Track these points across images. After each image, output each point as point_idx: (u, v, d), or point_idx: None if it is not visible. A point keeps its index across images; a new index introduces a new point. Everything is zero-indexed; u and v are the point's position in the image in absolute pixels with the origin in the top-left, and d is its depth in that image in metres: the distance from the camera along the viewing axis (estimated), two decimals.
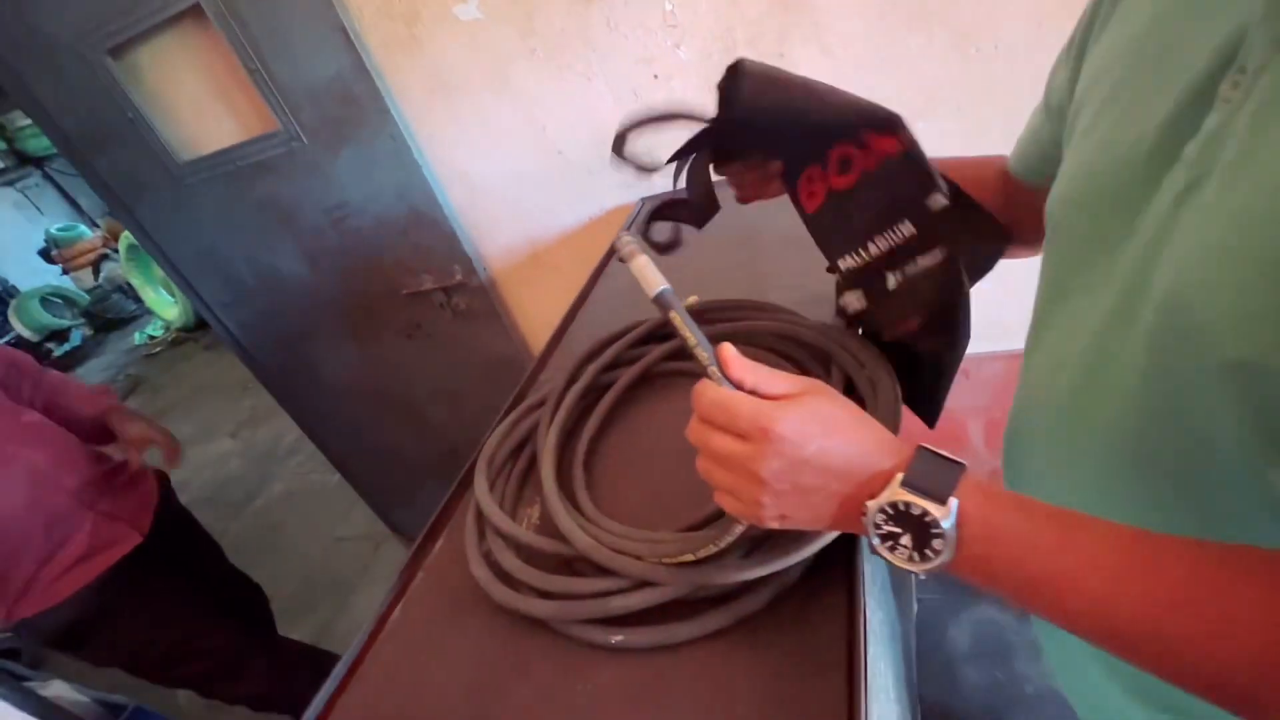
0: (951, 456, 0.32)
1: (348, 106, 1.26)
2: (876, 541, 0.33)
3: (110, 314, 5.81)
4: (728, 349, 0.36)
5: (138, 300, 5.44)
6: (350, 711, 0.49)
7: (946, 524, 0.31)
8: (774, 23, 1.03)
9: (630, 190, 1.27)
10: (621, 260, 0.40)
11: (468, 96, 1.22)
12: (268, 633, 1.56)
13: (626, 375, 0.71)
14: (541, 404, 0.69)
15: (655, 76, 1.12)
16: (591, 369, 0.71)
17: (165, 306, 5.04)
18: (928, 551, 0.32)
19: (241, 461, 3.31)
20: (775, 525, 0.36)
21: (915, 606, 1.38)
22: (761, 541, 0.45)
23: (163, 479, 1.40)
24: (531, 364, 0.86)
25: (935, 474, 0.32)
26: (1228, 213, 0.27)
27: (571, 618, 0.47)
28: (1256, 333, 0.25)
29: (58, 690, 1.49)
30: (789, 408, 0.33)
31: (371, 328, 1.66)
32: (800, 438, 0.33)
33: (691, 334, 0.37)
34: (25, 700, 1.21)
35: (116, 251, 5.26)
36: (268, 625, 1.58)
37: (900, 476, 0.32)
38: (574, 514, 0.52)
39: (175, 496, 1.44)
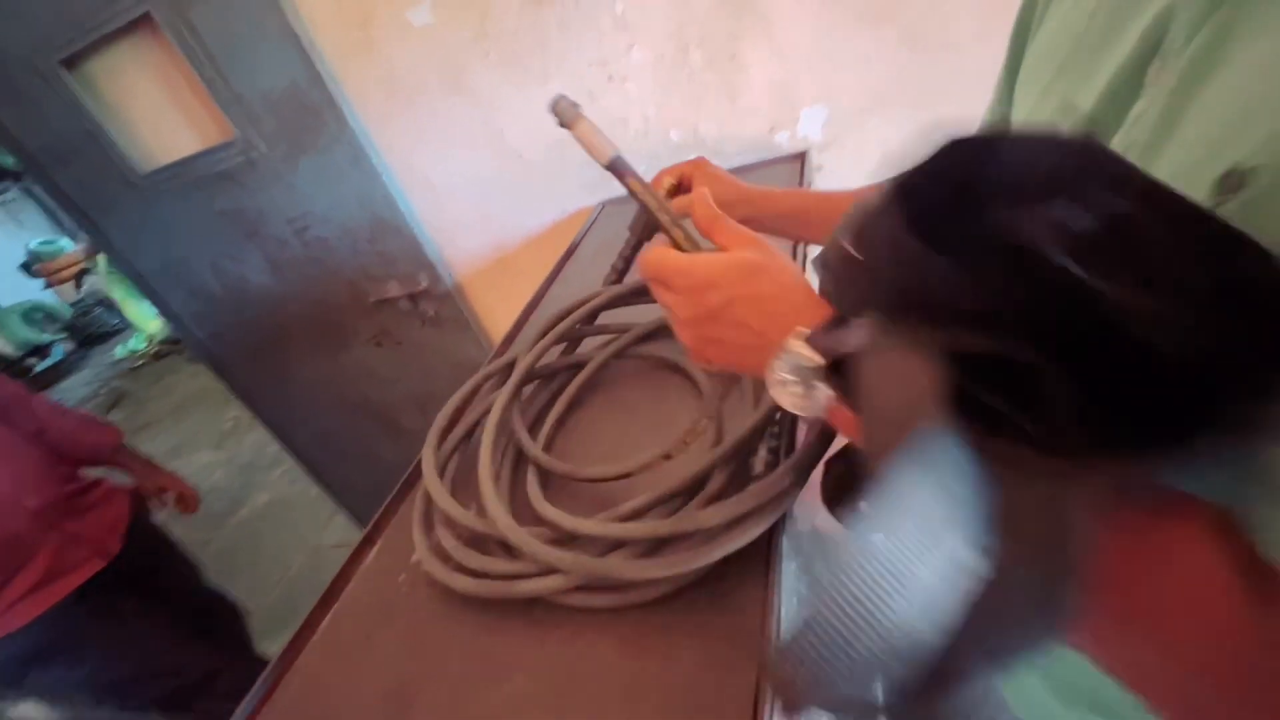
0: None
1: (305, 114, 1.25)
2: (771, 384, 0.33)
3: (93, 328, 5.77)
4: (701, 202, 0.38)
5: (120, 314, 5.40)
6: (287, 705, 0.49)
7: (821, 388, 0.30)
8: (723, 24, 1.03)
9: (592, 192, 1.27)
10: (563, 125, 0.40)
11: (425, 101, 1.22)
12: (243, 652, 1.54)
13: (586, 370, 0.71)
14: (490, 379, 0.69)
15: (610, 78, 1.12)
16: (540, 345, 0.70)
17: (148, 319, 5.01)
18: (812, 393, 0.31)
19: (225, 472, 3.29)
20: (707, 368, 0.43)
21: None
22: (666, 543, 0.45)
23: (136, 496, 1.39)
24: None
25: (839, 333, 0.30)
26: None
27: (484, 594, 0.48)
28: None
29: (26, 711, 1.47)
30: (713, 261, 0.36)
31: (341, 336, 1.65)
32: (712, 290, 0.35)
33: (651, 198, 0.39)
34: None
35: (99, 265, 5.23)
36: (244, 645, 1.56)
37: (803, 331, 0.31)
38: (501, 496, 0.53)
39: (149, 514, 1.43)
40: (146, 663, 1.27)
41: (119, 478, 1.38)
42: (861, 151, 1.11)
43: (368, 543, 0.62)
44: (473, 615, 0.50)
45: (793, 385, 0.31)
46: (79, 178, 1.48)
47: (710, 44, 1.05)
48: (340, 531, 2.47)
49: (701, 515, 0.45)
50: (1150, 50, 0.28)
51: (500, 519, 0.49)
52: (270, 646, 1.57)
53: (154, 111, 1.36)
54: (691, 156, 1.17)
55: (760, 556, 0.46)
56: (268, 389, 1.88)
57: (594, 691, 0.42)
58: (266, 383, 1.85)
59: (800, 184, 1.02)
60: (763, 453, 0.53)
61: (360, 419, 1.87)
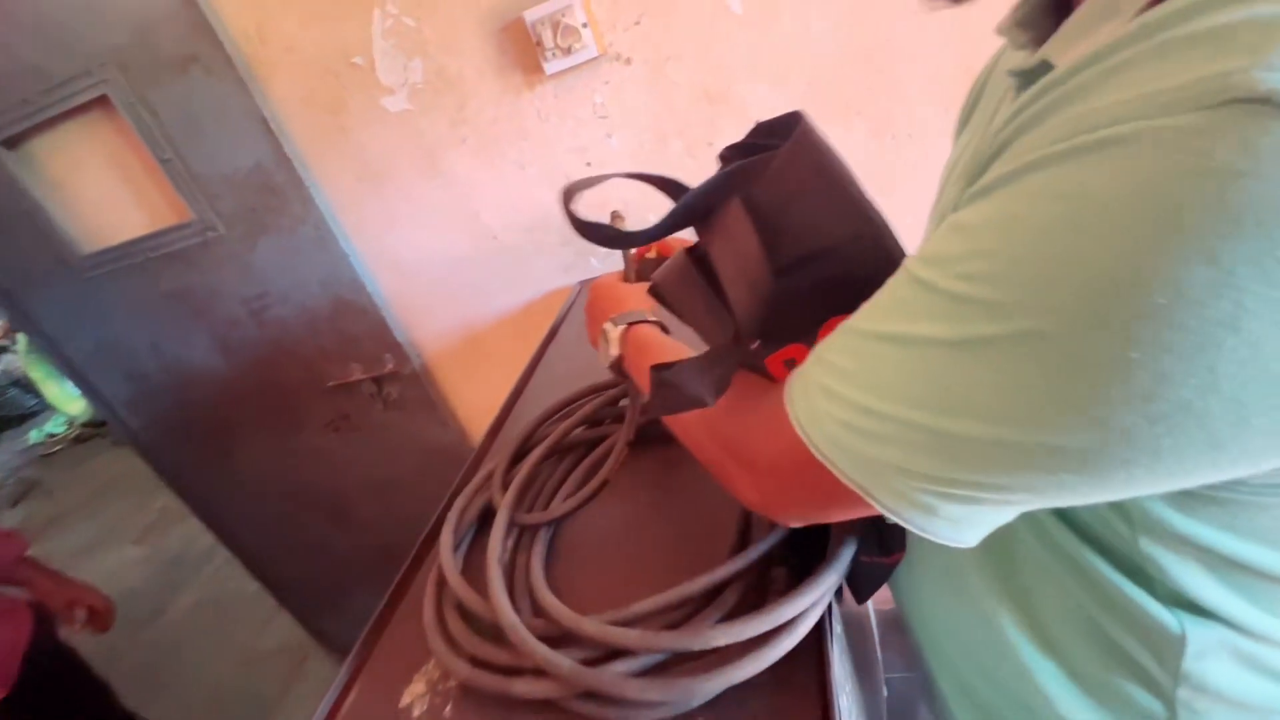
0: (647, 317, 0.54)
1: (268, 195, 1.21)
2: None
3: (6, 410, 5.30)
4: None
5: (38, 394, 4.99)
6: None
7: (613, 350, 0.54)
8: (702, 113, 1.06)
9: (569, 273, 1.25)
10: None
11: (397, 184, 1.20)
12: None
13: (582, 468, 0.66)
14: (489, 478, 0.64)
15: (589, 164, 1.13)
16: (536, 453, 0.66)
17: (69, 400, 4.64)
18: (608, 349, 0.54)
19: (146, 570, 2.98)
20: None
21: (885, 691, 1.32)
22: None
23: (39, 613, 1.22)
24: (471, 452, 0.80)
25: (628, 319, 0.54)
26: None
27: (478, 685, 0.45)
28: None
29: None
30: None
31: (293, 421, 1.54)
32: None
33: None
34: None
35: (16, 343, 4.86)
36: None
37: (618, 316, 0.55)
38: (504, 590, 0.48)
39: (54, 631, 1.25)
40: None
41: (15, 592, 1.21)
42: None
43: (346, 689, 0.53)
44: None
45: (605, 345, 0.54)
46: (9, 256, 1.38)
47: (689, 133, 1.08)
48: (280, 634, 2.24)
49: (712, 633, 0.41)
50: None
51: (501, 609, 0.44)
52: None
53: (101, 191, 1.29)
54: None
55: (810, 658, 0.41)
56: (206, 477, 1.72)
57: None
58: (205, 471, 1.71)
59: None
60: (784, 569, 0.49)
61: (309, 509, 1.73)
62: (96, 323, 1.47)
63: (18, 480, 4.47)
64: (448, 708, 0.48)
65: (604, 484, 0.63)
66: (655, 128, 1.08)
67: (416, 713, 0.49)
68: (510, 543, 0.57)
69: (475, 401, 1.47)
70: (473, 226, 1.23)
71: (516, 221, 1.21)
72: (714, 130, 1.07)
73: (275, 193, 1.20)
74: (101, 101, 1.16)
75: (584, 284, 1.23)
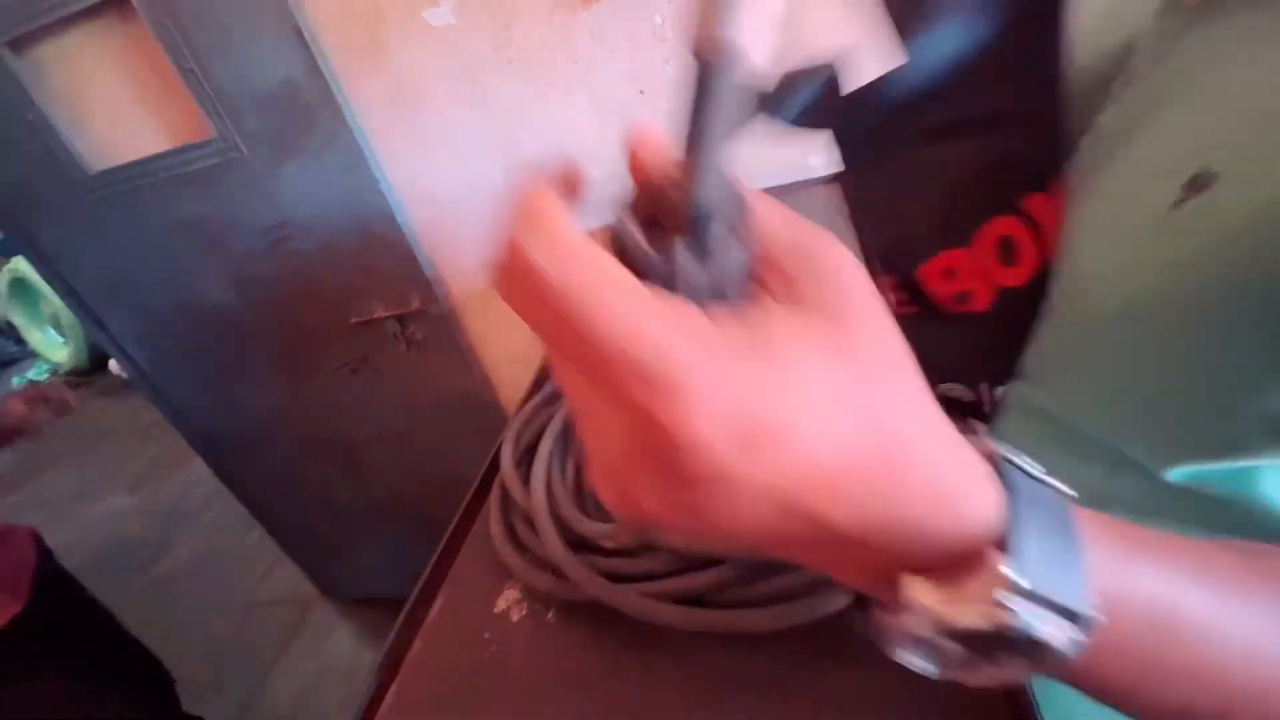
0: (1058, 486, 0.18)
1: (297, 114, 1.14)
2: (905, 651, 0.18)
3: None
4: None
5: (20, 341, 4.85)
6: None
7: (1070, 650, 0.16)
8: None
9: (611, 211, 1.20)
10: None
11: (434, 108, 1.14)
12: (173, 710, 1.33)
13: None
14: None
15: (641, 92, 1.07)
16: None
17: (53, 348, 4.52)
18: (998, 665, 0.17)
19: (140, 520, 2.92)
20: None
21: None
22: None
23: (38, 540, 1.18)
24: (495, 397, 0.77)
25: (1053, 552, 0.16)
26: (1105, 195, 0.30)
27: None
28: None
29: None
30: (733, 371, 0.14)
31: (309, 362, 1.49)
32: (752, 435, 0.14)
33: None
34: None
35: None
36: (172, 705, 1.34)
37: (1003, 563, 0.16)
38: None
39: (54, 559, 1.21)
40: (72, 714, 1.07)
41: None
42: None
43: (426, 597, 0.50)
44: (595, 674, 0.40)
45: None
46: (10, 173, 1.30)
47: None
48: (282, 585, 2.21)
49: None
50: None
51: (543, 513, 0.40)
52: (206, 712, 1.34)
53: (114, 103, 1.21)
54: None
55: None
56: (214, 421, 1.67)
57: None
58: (214, 414, 1.65)
59: (837, 209, 0.99)
60: None
61: (319, 456, 1.69)
62: (104, 250, 1.40)
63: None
64: (550, 613, 0.45)
65: None
66: None
67: (516, 616, 0.46)
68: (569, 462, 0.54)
69: (502, 347, 1.42)
70: (512, 158, 1.17)
71: (560, 153, 1.16)
72: (783, 59, 1.02)
73: (304, 112, 1.14)
74: (119, 3, 1.08)
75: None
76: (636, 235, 0.17)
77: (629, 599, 0.40)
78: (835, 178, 0.47)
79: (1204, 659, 0.18)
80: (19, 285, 4.30)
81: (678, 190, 0.17)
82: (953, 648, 0.16)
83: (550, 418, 0.58)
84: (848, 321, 0.16)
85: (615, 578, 0.42)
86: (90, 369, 4.46)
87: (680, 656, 0.39)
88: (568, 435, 0.56)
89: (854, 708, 0.35)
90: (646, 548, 0.42)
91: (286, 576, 2.14)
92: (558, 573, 0.44)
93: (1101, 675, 0.18)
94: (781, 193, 1.10)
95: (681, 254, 0.16)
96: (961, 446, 0.17)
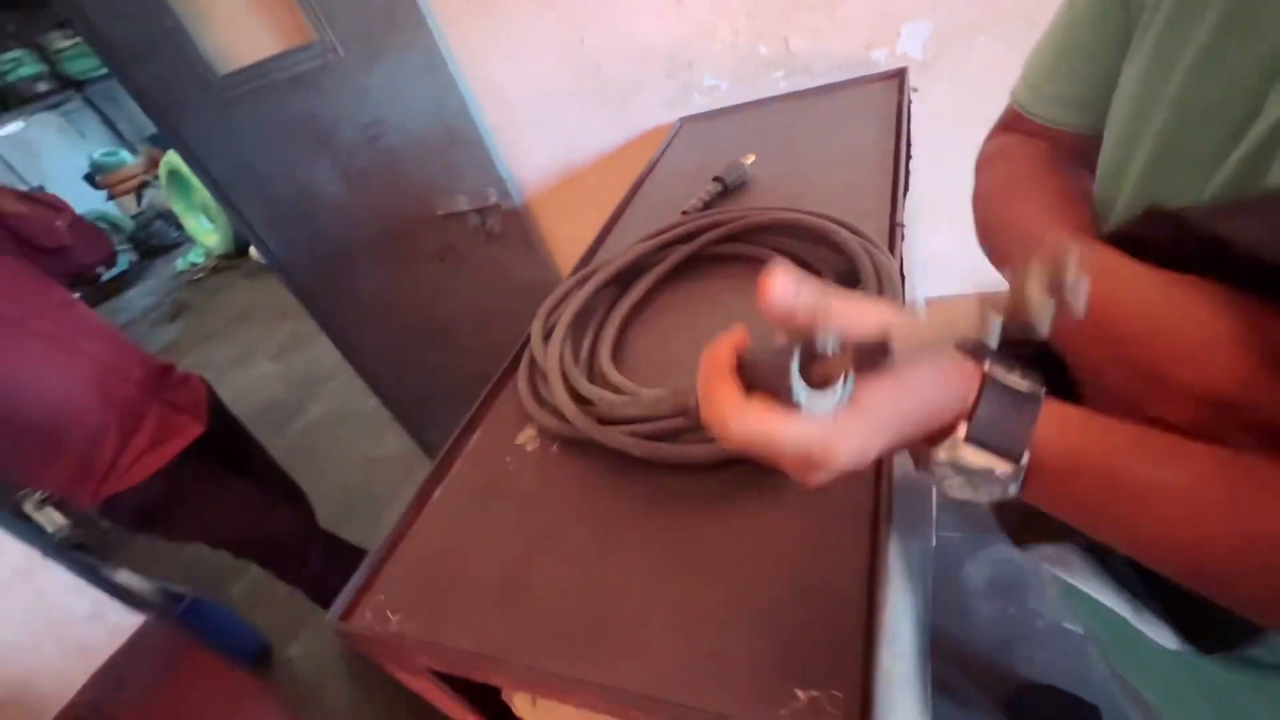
0: (1025, 388, 0.30)
1: (382, 15, 1.23)
2: (937, 482, 0.32)
3: (154, 240, 5.96)
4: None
5: (179, 227, 5.56)
6: (394, 579, 0.53)
7: (1012, 487, 0.30)
8: None
9: (670, 108, 1.23)
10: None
11: (505, 9, 1.19)
12: (314, 523, 1.67)
13: (679, 252, 0.72)
14: (591, 276, 0.71)
15: None
16: (645, 246, 0.72)
17: (206, 233, 5.15)
18: (988, 490, 0.30)
19: (282, 385, 3.44)
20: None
21: (933, 541, 1.41)
22: None
23: (208, 384, 1.49)
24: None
25: (1004, 421, 0.29)
26: None
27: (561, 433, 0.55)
28: None
29: (125, 578, 1.62)
30: (847, 432, 0.28)
31: (405, 250, 1.67)
32: (864, 451, 0.28)
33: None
34: (100, 582, 1.33)
35: (158, 179, 5.35)
36: (313, 518, 1.69)
37: (963, 430, 0.29)
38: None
39: (220, 399, 1.52)
40: (248, 523, 1.42)
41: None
42: (963, 74, 1.04)
43: (469, 429, 0.65)
44: (581, 491, 0.53)
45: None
46: (157, 77, 1.50)
47: None
48: (396, 445, 2.58)
49: None
50: None
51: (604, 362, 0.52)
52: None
53: (235, 10, 1.35)
54: (779, 74, 1.13)
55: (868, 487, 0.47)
56: (333, 301, 1.93)
57: (705, 556, 0.44)
58: (332, 294, 1.91)
59: (897, 105, 0.97)
60: None
61: (419, 335, 1.92)
62: (234, 144, 1.60)
63: (173, 301, 5.12)
64: (554, 446, 0.58)
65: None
66: None
67: (530, 448, 0.59)
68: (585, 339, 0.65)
69: (570, 240, 1.53)
70: (577, 56, 1.21)
71: (621, 52, 1.19)
72: None
73: (386, 14, 1.22)
74: None
75: (684, 120, 1.22)
76: (793, 377, 0.28)
77: (610, 435, 0.52)
78: None
79: (1137, 501, 0.28)
80: (175, 176, 4.86)
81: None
82: (952, 474, 0.30)
83: (568, 303, 0.68)
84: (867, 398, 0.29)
85: (602, 421, 0.54)
86: (236, 254, 5.07)
87: (647, 483, 0.51)
88: (580, 319, 0.67)
89: (770, 526, 0.45)
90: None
91: (396, 438, 2.50)
92: (561, 417, 0.56)
93: (1060, 502, 0.30)
94: (844, 87, 1.08)
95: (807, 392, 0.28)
96: (945, 396, 0.30)
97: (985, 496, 0.30)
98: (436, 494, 0.59)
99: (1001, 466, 0.29)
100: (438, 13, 1.23)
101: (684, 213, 0.85)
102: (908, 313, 0.27)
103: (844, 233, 0.62)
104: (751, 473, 0.48)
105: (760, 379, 0.29)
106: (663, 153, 1.12)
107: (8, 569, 1.18)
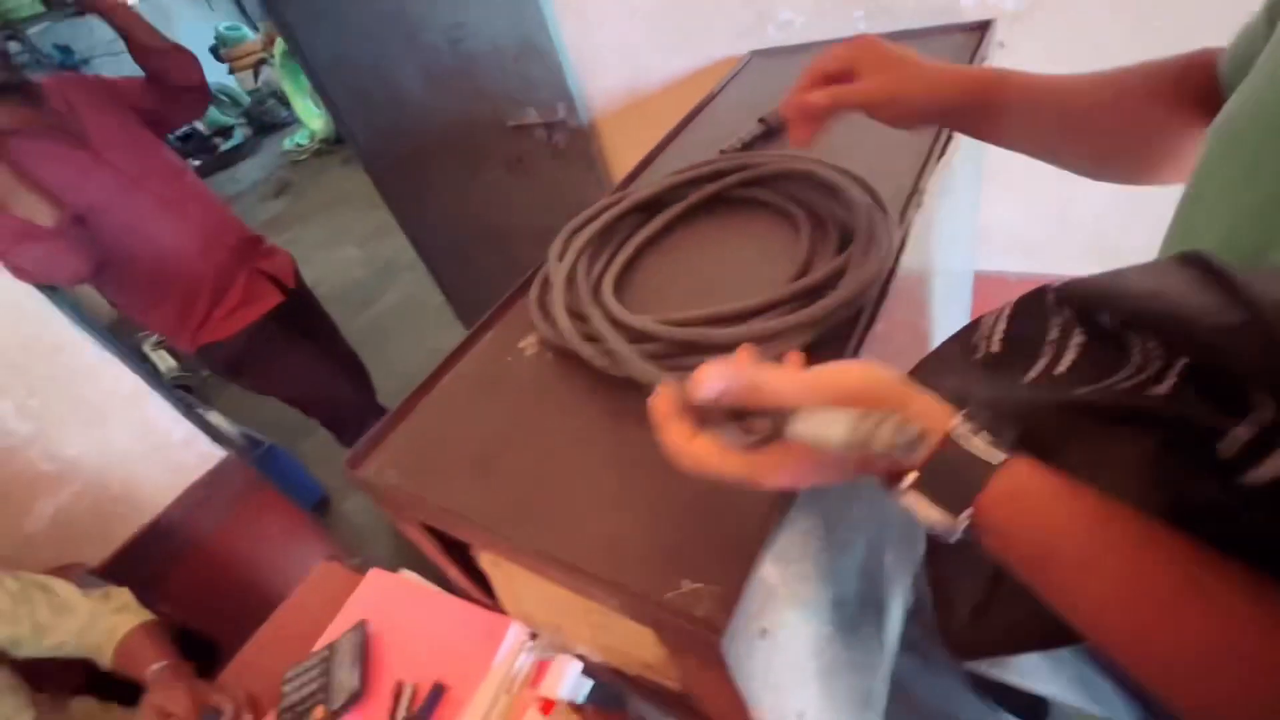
0: (982, 453, 0.30)
1: None
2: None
3: (266, 118, 6.30)
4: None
5: (289, 107, 5.84)
6: (397, 442, 0.62)
7: (954, 536, 0.31)
8: None
9: (742, 39, 1.20)
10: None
11: None
12: (373, 397, 1.86)
13: (702, 191, 0.75)
14: (616, 203, 0.75)
15: None
16: (671, 180, 0.76)
17: (312, 117, 5.39)
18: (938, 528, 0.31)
19: (364, 270, 3.68)
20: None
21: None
22: None
23: (292, 258, 1.65)
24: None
25: (952, 482, 0.30)
26: None
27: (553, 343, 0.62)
28: None
29: (215, 419, 1.88)
30: (771, 466, 0.35)
31: (476, 156, 1.74)
32: (795, 479, 0.36)
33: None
34: (194, 417, 1.55)
35: (274, 57, 5.59)
36: (372, 393, 1.88)
37: (911, 478, 0.31)
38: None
39: (302, 276, 1.69)
40: (316, 386, 1.61)
41: None
42: (1058, 32, 0.97)
43: (484, 328, 0.72)
44: (561, 396, 0.60)
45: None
46: None
47: None
48: (455, 338, 2.73)
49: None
50: None
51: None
52: None
53: None
54: (859, 13, 1.08)
55: None
56: (410, 196, 2.04)
57: (646, 462, 0.50)
58: (409, 190, 2.02)
59: (972, 61, 0.92)
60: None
61: (483, 238, 2.02)
62: (331, 35, 1.68)
63: (277, 179, 5.47)
64: (549, 354, 0.65)
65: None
66: None
67: (529, 353, 0.66)
68: (599, 261, 0.70)
69: (632, 162, 1.54)
70: None
71: None
72: None
73: None
74: None
75: (755, 53, 1.19)
76: (725, 425, 0.36)
77: (587, 350, 0.58)
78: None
79: (1076, 578, 0.28)
80: (288, 58, 5.06)
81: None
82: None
83: (590, 225, 0.73)
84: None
85: (587, 338, 0.60)
86: (336, 140, 5.30)
87: (617, 399, 0.57)
88: (599, 242, 0.71)
89: None
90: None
91: (458, 333, 2.66)
92: (558, 329, 0.63)
93: (1003, 556, 0.31)
94: (923, 35, 1.03)
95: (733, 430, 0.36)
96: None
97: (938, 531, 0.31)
98: (445, 380, 0.68)
99: (944, 520, 0.30)
100: None
101: (721, 151, 0.87)
102: (821, 400, 0.32)
103: (854, 190, 0.63)
104: None
105: (708, 419, 0.36)
106: (724, 85, 1.11)
107: (125, 392, 1.40)
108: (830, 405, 0.32)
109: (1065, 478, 0.29)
